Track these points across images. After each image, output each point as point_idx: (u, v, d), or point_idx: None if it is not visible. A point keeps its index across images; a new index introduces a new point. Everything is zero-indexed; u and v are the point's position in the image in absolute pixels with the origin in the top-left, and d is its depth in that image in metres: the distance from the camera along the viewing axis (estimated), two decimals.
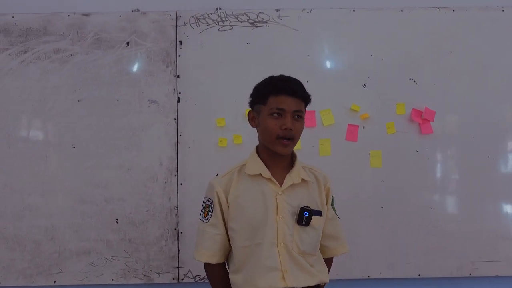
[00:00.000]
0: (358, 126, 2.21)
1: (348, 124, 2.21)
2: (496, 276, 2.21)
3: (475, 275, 2.20)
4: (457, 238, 2.21)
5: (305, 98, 1.46)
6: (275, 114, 1.42)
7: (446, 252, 2.20)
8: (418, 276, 2.19)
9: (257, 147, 1.54)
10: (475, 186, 2.23)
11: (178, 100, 2.20)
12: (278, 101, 1.42)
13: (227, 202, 1.49)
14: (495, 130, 2.25)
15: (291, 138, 1.42)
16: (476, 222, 2.22)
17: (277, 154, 1.46)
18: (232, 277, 1.49)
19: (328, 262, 1.59)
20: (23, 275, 2.15)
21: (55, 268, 2.15)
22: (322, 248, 1.55)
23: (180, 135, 2.19)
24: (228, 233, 1.50)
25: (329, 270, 1.58)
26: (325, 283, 1.51)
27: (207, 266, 1.55)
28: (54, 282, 2.15)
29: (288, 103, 1.41)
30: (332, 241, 1.56)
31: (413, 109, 2.22)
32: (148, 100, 2.20)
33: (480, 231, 2.22)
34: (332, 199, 1.57)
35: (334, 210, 1.58)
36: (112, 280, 2.16)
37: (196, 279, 2.17)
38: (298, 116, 1.44)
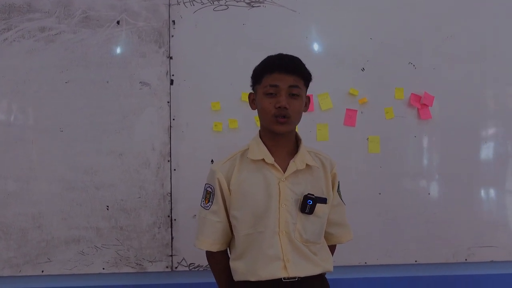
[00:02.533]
0: (356, 110, 2.17)
1: (346, 109, 2.17)
2: (492, 261, 2.22)
3: (471, 261, 2.20)
4: (453, 224, 2.20)
5: (303, 75, 1.40)
6: (269, 93, 1.37)
7: (443, 238, 2.19)
8: (415, 262, 2.18)
9: (260, 131, 1.48)
10: (472, 172, 2.22)
11: (171, 82, 2.12)
12: (272, 79, 1.37)
13: (229, 189, 1.43)
14: (494, 116, 2.24)
15: (287, 117, 1.36)
16: (472, 208, 2.22)
17: (279, 138, 1.41)
18: (233, 264, 1.44)
19: (331, 249, 1.55)
20: (9, 265, 2.06)
21: (42, 257, 2.07)
22: (327, 236, 1.51)
23: (174, 119, 2.11)
24: (230, 220, 1.45)
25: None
26: (330, 272, 1.47)
27: (208, 253, 1.50)
28: (42, 271, 2.07)
29: (282, 80, 1.36)
30: (338, 229, 1.52)
31: (412, 94, 2.18)
32: (140, 83, 2.11)
33: (477, 217, 2.22)
34: (338, 185, 1.52)
35: (340, 197, 1.52)
36: (103, 269, 2.08)
37: (190, 267, 2.11)
38: (294, 94, 1.37)
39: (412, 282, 2.20)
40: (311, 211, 1.38)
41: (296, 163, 1.41)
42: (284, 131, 1.38)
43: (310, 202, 1.38)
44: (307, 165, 1.42)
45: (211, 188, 1.46)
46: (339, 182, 1.52)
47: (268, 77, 1.37)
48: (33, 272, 2.07)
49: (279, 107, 1.34)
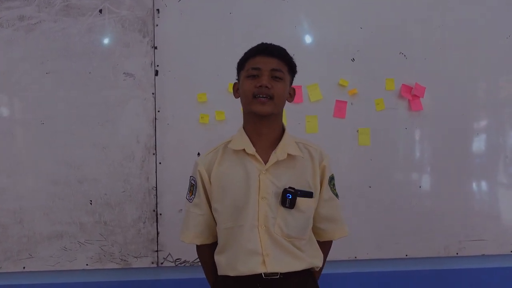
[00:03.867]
0: (346, 102, 2.12)
1: (336, 100, 2.12)
2: (483, 255, 2.19)
3: (462, 254, 2.18)
4: (444, 217, 2.16)
5: (286, 60, 1.37)
6: (252, 76, 1.33)
7: (434, 232, 2.16)
8: (406, 257, 2.15)
9: (243, 123, 1.43)
10: (464, 164, 2.19)
11: (156, 73, 2.06)
12: (254, 62, 1.35)
13: (210, 181, 1.39)
14: (487, 107, 2.21)
15: (270, 97, 1.31)
16: (464, 201, 2.18)
17: (262, 126, 1.36)
18: (216, 257, 1.40)
19: (326, 245, 1.49)
20: None
21: (24, 253, 2.01)
22: (318, 231, 1.45)
23: (159, 111, 2.06)
24: (213, 213, 1.41)
25: (327, 254, 1.50)
26: (318, 268, 1.42)
27: (196, 246, 1.48)
28: (24, 268, 2.01)
29: (265, 62, 1.33)
30: (329, 224, 1.45)
31: (402, 84, 2.14)
32: (124, 73, 2.05)
33: (468, 210, 2.19)
34: (331, 178, 1.44)
35: (333, 190, 1.45)
36: (87, 265, 2.03)
37: (177, 263, 2.06)
38: (277, 77, 1.33)
39: (403, 276, 2.17)
40: (291, 205, 1.32)
41: (277, 154, 1.35)
42: (265, 112, 1.32)
43: (289, 196, 1.32)
44: (289, 155, 1.36)
45: (194, 180, 1.43)
46: (332, 175, 1.45)
47: (251, 61, 1.35)
48: (14, 268, 2.01)
49: (260, 86, 1.30)
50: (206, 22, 2.08)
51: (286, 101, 1.40)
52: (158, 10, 2.06)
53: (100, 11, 2.04)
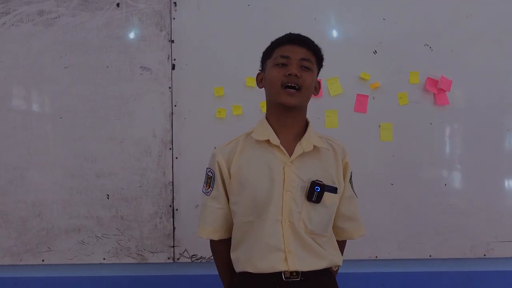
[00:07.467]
0: (367, 96, 2.05)
1: (357, 94, 2.06)
2: None
3: (490, 256, 2.08)
4: (471, 216, 2.07)
5: (315, 51, 1.33)
6: (280, 64, 1.29)
7: (460, 232, 2.07)
8: (429, 257, 2.07)
9: (266, 113, 1.38)
10: (492, 162, 2.08)
11: (173, 67, 2.04)
12: (283, 50, 1.30)
13: (229, 173, 1.33)
14: None
15: (298, 88, 1.27)
16: (492, 200, 2.08)
17: (287, 117, 1.31)
18: (233, 254, 1.35)
19: (341, 245, 1.44)
20: (9, 253, 2.03)
21: (43, 246, 2.03)
22: (337, 230, 1.40)
23: (175, 105, 2.04)
24: (230, 207, 1.36)
25: (342, 254, 1.44)
26: (338, 266, 1.37)
27: (211, 242, 1.42)
28: (43, 261, 2.04)
29: (294, 50, 1.29)
30: (349, 223, 1.40)
31: (428, 78, 2.05)
32: (141, 67, 2.04)
33: (496, 209, 2.08)
34: (351, 176, 1.40)
35: (353, 188, 1.41)
36: (104, 259, 2.04)
37: (193, 259, 2.05)
38: (306, 67, 1.29)
39: (426, 278, 2.09)
40: (318, 199, 1.27)
41: (302, 145, 1.30)
42: (293, 103, 1.27)
43: (317, 189, 1.27)
44: (314, 147, 1.31)
45: (211, 172, 1.37)
46: (351, 173, 1.41)
47: (279, 49, 1.31)
48: (33, 261, 2.04)
49: (290, 74, 1.26)
50: (224, 15, 2.05)
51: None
52: (175, 3, 2.04)
53: (118, 4, 2.04)
